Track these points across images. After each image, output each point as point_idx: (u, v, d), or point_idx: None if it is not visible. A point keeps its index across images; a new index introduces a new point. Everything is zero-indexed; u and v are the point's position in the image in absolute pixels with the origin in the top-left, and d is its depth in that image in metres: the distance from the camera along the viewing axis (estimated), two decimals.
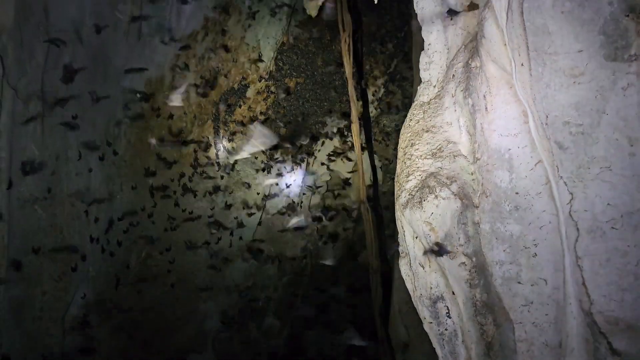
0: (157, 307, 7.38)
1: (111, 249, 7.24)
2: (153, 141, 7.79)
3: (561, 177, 2.55)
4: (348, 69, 7.38)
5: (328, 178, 9.80)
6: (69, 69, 6.14)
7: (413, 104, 3.46)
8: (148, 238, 8.02)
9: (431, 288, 3.14)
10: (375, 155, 9.38)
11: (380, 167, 9.52)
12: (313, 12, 8.31)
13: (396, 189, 3.31)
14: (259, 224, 9.60)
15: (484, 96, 2.87)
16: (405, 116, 3.60)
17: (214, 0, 7.84)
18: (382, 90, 9.30)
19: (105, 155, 7.15)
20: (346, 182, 9.52)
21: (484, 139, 2.92)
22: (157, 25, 7.48)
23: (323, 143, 9.56)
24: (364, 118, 8.18)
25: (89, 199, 6.68)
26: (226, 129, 8.99)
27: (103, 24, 6.40)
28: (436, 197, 2.99)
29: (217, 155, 8.76)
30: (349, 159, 9.36)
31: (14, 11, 5.43)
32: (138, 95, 7.46)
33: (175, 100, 7.86)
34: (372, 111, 9.35)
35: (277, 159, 9.39)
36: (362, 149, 8.39)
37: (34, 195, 5.76)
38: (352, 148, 9.04)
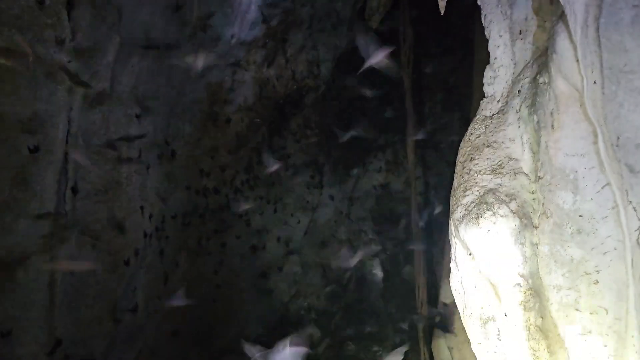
0: (201, 307, 7.49)
1: (162, 245, 7.44)
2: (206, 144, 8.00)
3: (630, 202, 2.42)
4: (407, 81, 7.33)
5: (379, 191, 9.75)
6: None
7: (475, 118, 3.39)
8: (198, 238, 8.20)
9: (482, 308, 3.03)
10: (428, 170, 9.26)
11: (433, 183, 9.38)
12: (374, 24, 8.35)
13: (452, 203, 3.24)
14: (306, 232, 9.64)
15: (551, 113, 2.77)
16: (462, 132, 3.53)
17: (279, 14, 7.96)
18: (440, 105, 9.19)
19: (163, 155, 7.37)
20: (397, 196, 9.43)
21: (548, 158, 2.82)
22: (219, 31, 7.67)
23: (375, 155, 9.53)
24: (420, 132, 8.08)
25: (145, 195, 6.91)
26: (280, 136, 9.11)
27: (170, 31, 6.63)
28: (494, 214, 2.90)
29: (268, 162, 8.87)
30: (402, 173, 9.28)
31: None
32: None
33: (233, 106, 8.05)
34: (428, 126, 9.25)
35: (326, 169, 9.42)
36: (416, 163, 8.30)
37: (96, 188, 6.01)
38: (405, 162, 8.96)
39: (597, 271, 2.66)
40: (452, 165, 3.49)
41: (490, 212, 2.90)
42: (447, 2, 3.44)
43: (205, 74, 7.65)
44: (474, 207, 2.99)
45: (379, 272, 9.67)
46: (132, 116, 6.58)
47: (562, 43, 2.63)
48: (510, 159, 3.05)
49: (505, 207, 2.88)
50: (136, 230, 6.78)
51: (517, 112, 3.05)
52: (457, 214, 3.12)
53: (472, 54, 7.61)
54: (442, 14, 3.20)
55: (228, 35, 7.65)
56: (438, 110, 9.63)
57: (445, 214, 3.31)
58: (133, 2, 5.95)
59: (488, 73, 3.36)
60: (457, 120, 9.35)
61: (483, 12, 3.44)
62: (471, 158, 3.17)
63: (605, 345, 2.66)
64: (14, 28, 4.66)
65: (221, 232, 8.61)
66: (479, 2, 3.42)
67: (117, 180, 6.46)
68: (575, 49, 2.55)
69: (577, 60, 2.55)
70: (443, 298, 7.26)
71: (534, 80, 2.93)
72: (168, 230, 7.56)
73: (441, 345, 7.11)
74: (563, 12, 2.59)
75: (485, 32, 3.35)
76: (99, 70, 5.85)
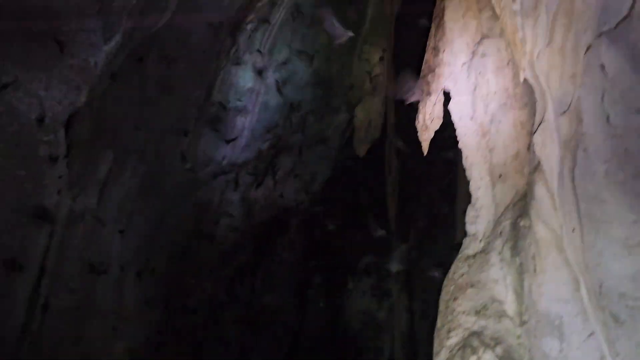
0: None
1: None
2: None
3: (618, 354, 2.35)
4: (392, 210, 7.46)
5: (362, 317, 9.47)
6: None
7: (458, 257, 3.40)
8: None
9: None
10: (413, 300, 9.08)
11: (418, 314, 9.16)
12: (361, 152, 8.69)
13: (435, 344, 3.13)
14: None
15: (533, 257, 2.79)
16: (446, 261, 3.52)
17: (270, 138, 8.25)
18: (424, 233, 9.26)
19: (143, 271, 7.22)
20: (381, 328, 9.16)
21: (532, 302, 2.78)
22: (210, 152, 7.90)
23: (360, 279, 9.40)
24: (404, 260, 8.05)
25: (119, 313, 6.66)
26: (264, 256, 9.01)
27: None
28: (479, 359, 2.80)
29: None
30: (386, 300, 9.09)
31: None
32: None
33: (219, 225, 8.03)
34: (413, 253, 9.24)
35: None
36: (399, 295, 8.17)
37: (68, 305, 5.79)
38: (390, 292, 8.82)
39: None
40: (438, 294, 3.44)
41: (475, 357, 2.80)
42: (431, 132, 3.59)
43: (193, 193, 7.75)
44: (458, 350, 2.89)
45: None
46: (116, 232, 6.52)
47: (540, 190, 2.72)
48: (494, 300, 3.01)
49: (490, 352, 2.79)
50: (108, 352, 6.41)
51: (499, 254, 3.07)
52: (441, 356, 3.01)
53: (456, 184, 7.85)
54: (424, 154, 3.35)
55: (219, 157, 7.87)
56: (422, 237, 9.69)
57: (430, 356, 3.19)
58: (130, 124, 6.17)
59: (470, 212, 3.44)
60: (441, 247, 9.38)
61: (464, 154, 3.60)
62: (455, 298, 3.13)
63: None
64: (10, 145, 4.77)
65: (198, 353, 8.18)
66: (460, 145, 3.60)
67: (91, 297, 6.23)
68: (552, 197, 2.64)
69: (555, 208, 2.62)
70: None
71: (515, 223, 2.99)
72: (141, 353, 7.16)
73: None
74: (539, 162, 2.72)
75: (467, 174, 3.49)
76: (89, 185, 5.90)
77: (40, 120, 4.98)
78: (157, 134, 6.81)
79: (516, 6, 2.71)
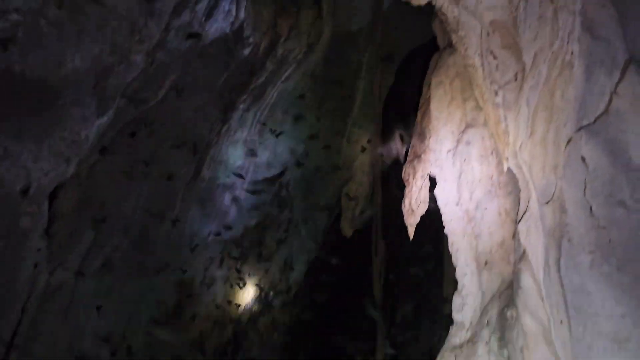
0: None
1: None
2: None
3: None
4: (377, 293, 7.33)
5: None
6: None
7: (444, 346, 3.30)
8: None
9: None
10: None
11: None
12: (348, 233, 8.67)
13: None
14: None
15: (521, 349, 2.71)
16: (432, 347, 3.40)
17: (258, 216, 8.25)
18: (410, 316, 9.05)
19: (118, 350, 6.89)
20: None
21: None
22: (196, 227, 7.81)
23: None
24: (389, 346, 7.81)
25: None
26: (246, 337, 8.72)
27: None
28: None
29: None
30: None
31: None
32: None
33: (201, 303, 7.83)
34: (399, 337, 8.97)
35: None
36: None
37: None
38: None
39: None
40: None
41: None
42: (417, 217, 3.59)
43: (177, 269, 7.57)
44: None
45: None
46: (93, 308, 6.29)
47: (527, 280, 2.70)
48: None
49: None
50: None
51: (486, 344, 2.98)
52: None
53: (442, 265, 7.79)
54: (410, 239, 3.33)
55: (205, 233, 7.79)
56: (409, 320, 9.47)
57: None
58: (115, 198, 6.13)
59: (456, 300, 3.38)
60: (428, 331, 9.14)
61: (450, 240, 3.60)
62: None
63: None
64: None
65: None
66: (445, 231, 3.60)
67: None
68: (539, 287, 2.61)
69: (542, 299, 2.58)
70: None
71: (502, 312, 2.94)
72: None
73: None
74: (525, 251, 2.71)
75: (453, 259, 3.46)
76: (68, 259, 5.77)
77: (25, 191, 4.92)
78: (143, 209, 6.76)
79: (498, 99, 2.82)
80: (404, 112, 8.66)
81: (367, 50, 8.05)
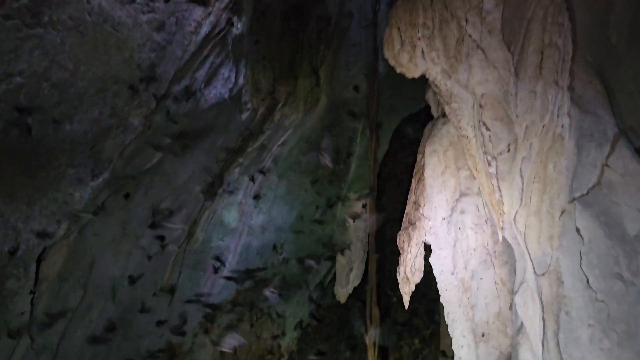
0: None
1: None
2: None
3: None
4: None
5: None
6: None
7: None
8: None
9: None
10: None
11: None
12: (342, 299, 8.50)
13: None
14: None
15: None
16: None
17: (250, 279, 8.12)
18: None
19: None
20: None
21: None
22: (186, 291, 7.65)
23: None
24: None
25: None
26: None
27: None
28: None
29: None
30: None
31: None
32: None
33: None
34: None
35: None
36: None
37: None
38: None
39: None
40: None
41: None
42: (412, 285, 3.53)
43: (164, 333, 7.35)
44: None
45: None
46: None
47: (525, 354, 2.62)
48: None
49: None
50: None
51: None
52: None
53: (438, 335, 7.62)
54: (406, 307, 3.25)
55: (196, 296, 7.62)
56: None
57: None
58: (105, 262, 6.02)
59: None
60: None
61: (446, 310, 3.52)
62: None
63: None
64: None
65: None
66: (441, 300, 3.54)
67: None
68: None
69: None
70: None
71: None
72: None
73: None
74: (522, 323, 2.65)
75: (449, 330, 3.37)
76: (52, 324, 5.58)
77: (13, 252, 4.85)
78: (133, 273, 6.64)
79: (492, 169, 2.85)
80: (398, 179, 8.74)
81: (363, 117, 8.21)
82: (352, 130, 8.32)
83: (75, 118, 4.70)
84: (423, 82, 4.33)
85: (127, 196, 6.10)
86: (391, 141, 8.71)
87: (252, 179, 7.36)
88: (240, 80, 6.22)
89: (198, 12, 5.19)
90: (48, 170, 4.85)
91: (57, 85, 4.45)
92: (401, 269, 4.03)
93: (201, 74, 5.55)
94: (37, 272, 5.28)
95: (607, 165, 2.64)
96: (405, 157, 8.70)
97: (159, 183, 6.30)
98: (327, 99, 8.00)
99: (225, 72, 5.90)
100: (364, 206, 8.22)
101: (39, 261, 5.26)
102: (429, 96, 4.69)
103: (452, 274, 3.56)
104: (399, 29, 3.22)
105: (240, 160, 7.26)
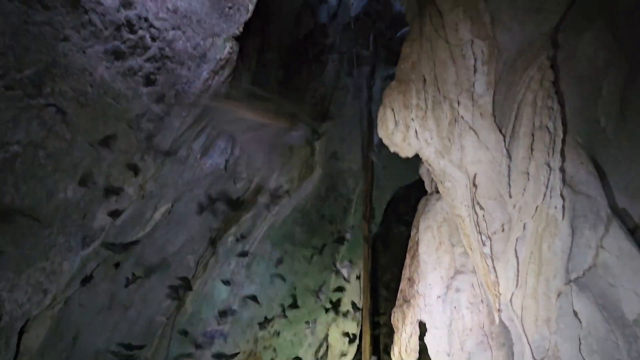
0: None
1: None
2: None
3: None
4: None
5: None
6: None
7: None
8: None
9: None
10: None
11: None
12: None
13: None
14: None
15: None
16: None
17: None
18: None
19: None
20: None
21: None
22: None
23: None
24: None
25: None
26: None
27: None
28: None
29: None
30: None
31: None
32: None
33: None
34: None
35: None
36: None
37: None
38: None
39: None
40: None
41: None
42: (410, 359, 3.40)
43: None
44: None
45: None
46: None
47: None
48: None
49: None
50: None
51: None
52: None
53: None
54: None
55: None
56: None
57: None
58: (91, 332, 5.82)
59: None
60: None
61: None
62: None
63: None
64: None
65: None
66: None
67: None
68: None
69: None
70: None
71: None
72: None
73: None
74: None
75: None
76: None
77: None
78: (121, 343, 6.41)
79: (487, 249, 2.83)
80: (392, 252, 8.68)
81: (357, 188, 8.28)
82: (347, 201, 8.35)
83: (69, 187, 4.69)
84: (417, 155, 4.41)
85: (117, 265, 5.99)
86: (385, 213, 8.74)
87: (244, 251, 7.30)
88: (237, 151, 6.30)
89: (198, 85, 5.32)
90: (38, 239, 4.77)
91: (52, 154, 4.46)
92: (395, 348, 3.90)
93: (198, 144, 5.61)
94: (18, 345, 5.08)
95: (601, 246, 2.63)
96: (400, 230, 8.69)
97: (150, 252, 6.21)
98: (321, 169, 8.09)
99: (221, 143, 5.98)
100: (358, 277, 8.15)
101: (21, 333, 5.08)
102: (423, 171, 4.73)
103: (448, 355, 3.44)
104: (392, 109, 3.30)
105: (233, 229, 7.22)
